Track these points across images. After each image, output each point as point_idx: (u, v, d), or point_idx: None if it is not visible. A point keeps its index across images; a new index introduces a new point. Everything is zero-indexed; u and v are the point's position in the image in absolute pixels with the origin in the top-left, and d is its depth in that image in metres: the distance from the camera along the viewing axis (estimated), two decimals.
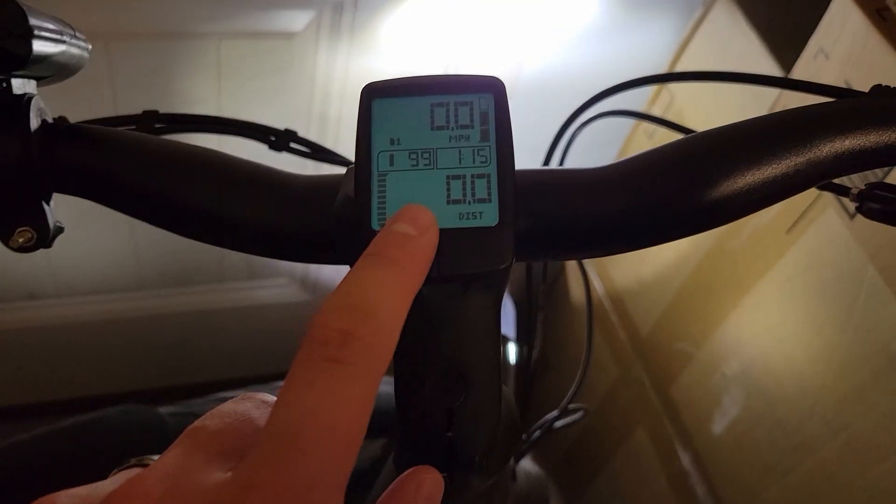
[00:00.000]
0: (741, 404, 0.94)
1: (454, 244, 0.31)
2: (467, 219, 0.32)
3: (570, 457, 1.30)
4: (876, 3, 0.72)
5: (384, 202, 0.32)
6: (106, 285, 1.23)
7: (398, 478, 0.29)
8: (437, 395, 0.35)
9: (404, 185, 0.32)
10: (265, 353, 1.37)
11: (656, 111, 1.08)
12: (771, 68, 0.89)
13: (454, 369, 0.34)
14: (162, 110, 1.03)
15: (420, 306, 0.33)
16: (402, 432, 0.37)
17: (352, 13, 0.97)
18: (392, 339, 0.26)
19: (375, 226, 0.32)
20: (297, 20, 0.97)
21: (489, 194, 0.32)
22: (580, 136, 0.60)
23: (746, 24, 0.92)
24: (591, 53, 1.13)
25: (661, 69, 1.06)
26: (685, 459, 1.03)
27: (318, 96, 1.06)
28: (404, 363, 0.35)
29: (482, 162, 0.33)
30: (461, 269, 0.31)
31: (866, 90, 0.38)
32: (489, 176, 0.32)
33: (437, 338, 0.34)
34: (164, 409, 0.75)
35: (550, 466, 1.32)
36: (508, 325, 0.83)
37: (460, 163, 0.33)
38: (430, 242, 0.29)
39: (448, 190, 0.32)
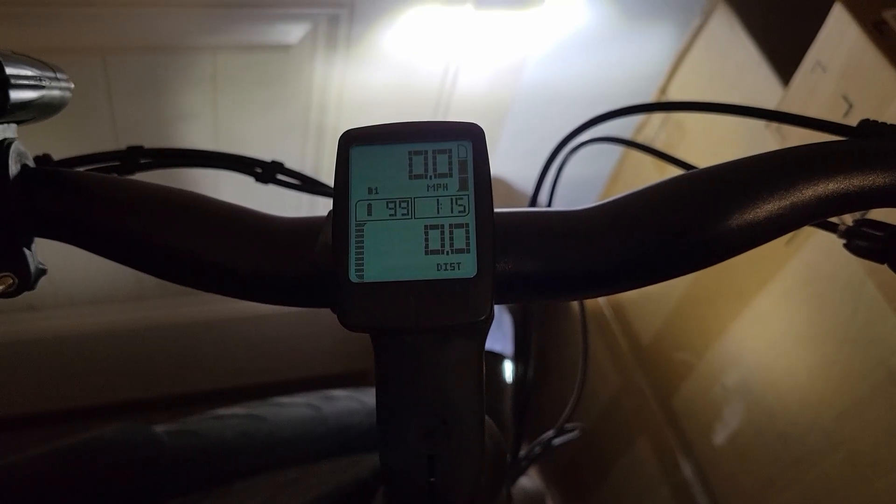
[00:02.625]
0: (742, 416, 0.94)
1: (432, 296, 0.31)
2: (445, 270, 0.31)
3: (572, 466, 1.29)
4: (873, 17, 0.72)
5: (362, 253, 0.32)
6: (106, 296, 1.23)
7: None
8: (419, 441, 0.34)
9: (382, 235, 0.32)
10: (265, 363, 1.38)
11: (656, 119, 1.07)
12: (769, 78, 0.88)
13: (436, 416, 0.34)
14: (158, 123, 1.03)
15: (401, 354, 0.33)
16: (385, 476, 0.37)
17: (347, 25, 0.96)
18: None
19: (353, 277, 0.31)
20: (293, 33, 0.97)
21: (468, 244, 0.32)
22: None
23: (745, 34, 0.92)
24: (591, 62, 1.12)
25: (660, 78, 1.05)
26: (687, 470, 1.02)
27: (315, 108, 1.06)
28: (386, 409, 0.35)
29: (460, 211, 0.32)
30: (439, 321, 0.31)
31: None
32: (467, 226, 0.32)
33: (418, 385, 0.34)
34: (160, 427, 0.75)
35: (552, 476, 1.32)
36: (506, 340, 0.83)
37: (438, 212, 0.32)
38: None
39: (426, 240, 0.32)
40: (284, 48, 0.98)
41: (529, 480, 0.84)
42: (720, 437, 0.98)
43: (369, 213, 0.32)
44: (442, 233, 0.32)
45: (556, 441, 0.73)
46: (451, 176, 0.33)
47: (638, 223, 0.34)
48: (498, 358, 0.79)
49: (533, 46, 1.06)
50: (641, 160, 1.10)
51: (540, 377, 1.21)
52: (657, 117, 1.07)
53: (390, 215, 0.32)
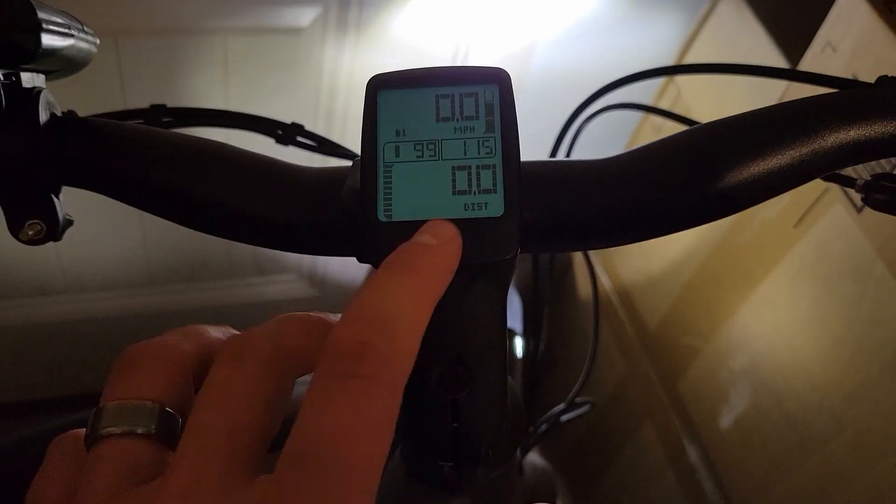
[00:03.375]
0: (749, 399, 0.94)
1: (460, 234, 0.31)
2: (473, 209, 0.32)
3: (578, 451, 1.30)
4: None
5: (390, 193, 0.32)
6: (115, 281, 1.24)
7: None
8: (443, 386, 0.35)
9: (410, 176, 0.32)
10: None
11: (663, 105, 1.07)
12: (778, 62, 0.89)
13: (460, 360, 0.34)
14: (169, 105, 1.04)
15: None
16: (407, 423, 0.37)
17: (358, 9, 0.97)
18: (412, 350, 0.25)
19: (381, 217, 0.32)
20: (304, 16, 0.97)
21: (494, 185, 0.32)
22: (587, 130, 0.60)
23: (753, 18, 0.92)
24: (599, 47, 1.13)
25: (670, 62, 1.06)
26: (693, 454, 1.03)
27: (325, 91, 1.06)
28: None
29: (487, 153, 0.33)
30: (467, 259, 0.31)
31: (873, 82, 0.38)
32: (494, 167, 0.32)
33: (442, 329, 0.34)
34: None
35: (558, 461, 1.32)
36: (515, 318, 0.84)
37: (465, 154, 0.33)
38: (452, 252, 0.29)
39: (453, 181, 0.32)
40: (296, 31, 0.98)
41: (538, 457, 0.84)
42: (726, 421, 0.98)
43: (397, 155, 0.33)
44: (469, 174, 0.32)
45: (566, 416, 0.74)
46: (477, 118, 0.33)
47: (663, 170, 0.34)
48: (508, 333, 0.80)
49: (543, 30, 1.07)
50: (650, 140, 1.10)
51: (548, 357, 1.22)
52: (665, 99, 1.07)
53: (418, 157, 0.33)
